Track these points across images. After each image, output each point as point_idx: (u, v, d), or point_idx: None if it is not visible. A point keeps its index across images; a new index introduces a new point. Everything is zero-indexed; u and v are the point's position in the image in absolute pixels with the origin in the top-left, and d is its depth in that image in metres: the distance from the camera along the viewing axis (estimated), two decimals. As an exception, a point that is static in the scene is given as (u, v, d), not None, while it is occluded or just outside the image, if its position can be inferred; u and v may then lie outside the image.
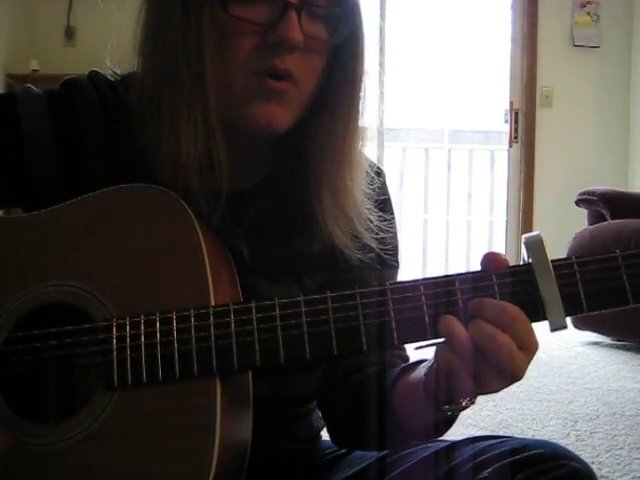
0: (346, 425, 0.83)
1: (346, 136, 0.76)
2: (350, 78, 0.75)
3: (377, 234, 0.81)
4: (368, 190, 0.81)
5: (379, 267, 0.83)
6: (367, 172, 0.82)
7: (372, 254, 0.81)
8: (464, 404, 0.66)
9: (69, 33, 4.57)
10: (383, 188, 0.86)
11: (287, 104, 0.72)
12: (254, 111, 0.71)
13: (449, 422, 0.73)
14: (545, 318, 0.62)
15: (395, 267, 0.86)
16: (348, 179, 0.77)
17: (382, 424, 0.76)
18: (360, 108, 0.77)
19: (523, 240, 0.64)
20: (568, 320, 0.62)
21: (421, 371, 0.69)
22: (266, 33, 0.69)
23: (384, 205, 0.84)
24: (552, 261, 0.62)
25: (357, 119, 0.77)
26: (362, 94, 0.76)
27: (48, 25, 4.57)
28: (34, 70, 4.30)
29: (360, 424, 0.80)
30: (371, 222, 0.80)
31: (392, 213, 0.86)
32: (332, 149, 0.76)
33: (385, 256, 0.83)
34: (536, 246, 0.63)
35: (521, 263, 0.64)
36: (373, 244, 0.80)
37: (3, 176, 0.77)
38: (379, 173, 0.86)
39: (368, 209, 0.80)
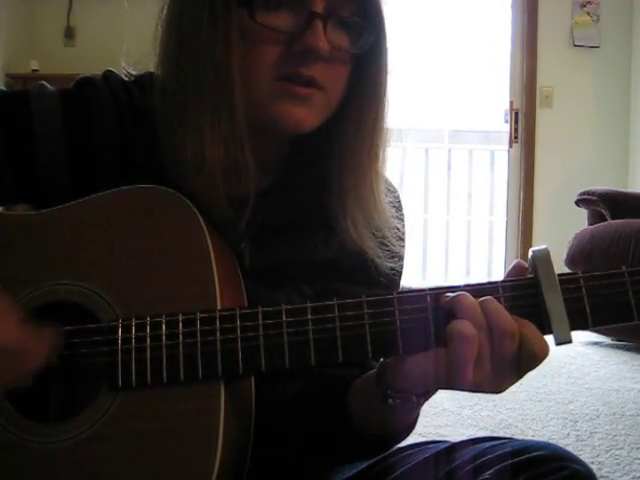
0: (305, 433, 0.81)
1: (372, 146, 0.76)
2: (375, 88, 0.75)
3: (404, 240, 0.81)
4: (390, 199, 0.81)
5: (383, 284, 0.82)
6: (385, 180, 0.82)
7: (397, 259, 0.81)
8: (413, 399, 0.66)
9: (69, 33, 4.57)
10: (400, 206, 0.85)
11: (314, 108, 0.73)
12: (281, 113, 0.72)
13: (408, 428, 0.73)
14: (550, 332, 0.62)
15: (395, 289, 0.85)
16: (375, 189, 0.77)
17: (338, 428, 0.75)
18: (385, 114, 0.77)
19: (530, 253, 0.64)
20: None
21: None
22: (292, 42, 0.70)
23: (402, 223, 0.84)
24: (558, 275, 0.63)
25: (383, 129, 0.77)
26: (386, 100, 0.77)
27: (48, 25, 4.56)
28: (34, 70, 4.29)
29: (318, 430, 0.78)
30: (398, 230, 0.80)
31: (404, 240, 0.84)
32: (359, 160, 0.76)
33: (388, 276, 0.82)
34: (543, 260, 0.63)
35: (527, 276, 0.64)
36: (402, 252, 0.80)
37: (15, 173, 0.76)
38: (393, 190, 0.85)
39: (394, 217, 0.80)
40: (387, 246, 0.80)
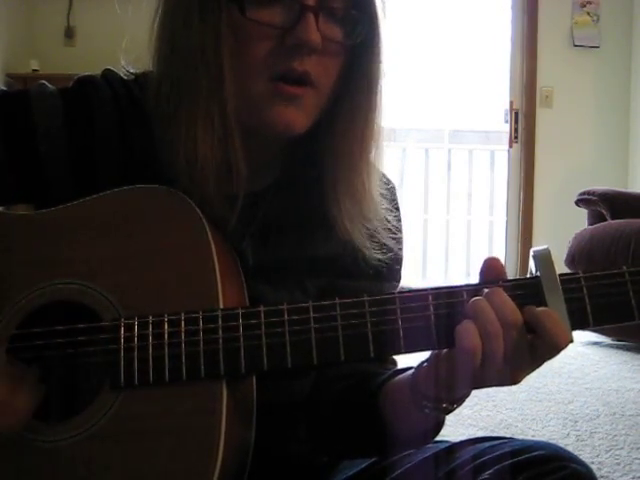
0: (329, 431, 0.81)
1: (364, 138, 0.76)
2: (368, 79, 0.75)
3: (395, 234, 0.81)
4: (383, 191, 0.81)
5: (384, 275, 0.82)
6: (381, 173, 0.82)
7: (391, 253, 0.81)
8: (445, 406, 0.66)
9: (69, 33, 4.57)
10: (394, 198, 0.86)
11: (305, 108, 0.73)
12: (272, 115, 0.72)
13: (436, 428, 0.73)
14: None
15: (396, 282, 0.86)
16: (366, 181, 0.77)
17: (368, 427, 0.76)
18: (378, 109, 0.76)
19: (531, 253, 0.65)
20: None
21: (410, 371, 0.70)
22: (284, 36, 0.70)
23: (396, 213, 0.84)
24: (559, 275, 0.63)
25: (375, 121, 0.77)
26: (380, 95, 0.76)
27: (48, 25, 4.56)
28: (34, 70, 4.29)
29: (344, 428, 0.79)
30: (388, 222, 0.80)
31: (401, 230, 0.85)
32: (350, 151, 0.76)
33: (388, 267, 0.82)
34: (544, 260, 0.63)
35: (528, 276, 0.65)
36: (391, 243, 0.80)
37: (16, 173, 0.76)
38: (388, 182, 0.86)
39: (385, 209, 0.80)
40: (383, 236, 0.80)
